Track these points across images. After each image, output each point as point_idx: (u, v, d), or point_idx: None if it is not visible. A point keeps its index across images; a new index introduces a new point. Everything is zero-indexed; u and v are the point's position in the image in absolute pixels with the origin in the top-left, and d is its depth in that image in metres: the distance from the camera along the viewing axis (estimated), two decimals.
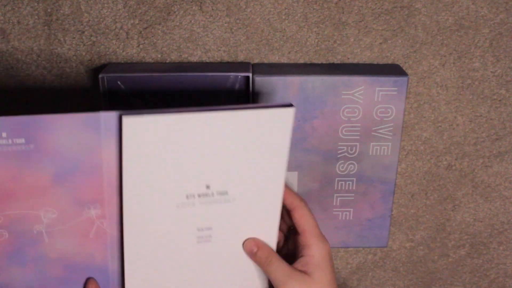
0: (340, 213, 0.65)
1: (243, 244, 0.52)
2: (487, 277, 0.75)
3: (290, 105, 0.47)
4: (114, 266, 0.53)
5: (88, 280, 0.53)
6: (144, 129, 0.44)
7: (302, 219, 0.51)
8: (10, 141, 0.45)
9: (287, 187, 0.52)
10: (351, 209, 0.65)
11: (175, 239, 0.50)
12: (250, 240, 0.52)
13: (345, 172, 0.63)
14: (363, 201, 0.64)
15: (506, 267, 0.75)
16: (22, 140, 0.45)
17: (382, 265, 0.74)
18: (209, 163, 0.47)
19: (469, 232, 0.72)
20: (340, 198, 0.64)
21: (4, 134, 0.44)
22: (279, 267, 0.51)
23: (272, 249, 0.52)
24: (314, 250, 0.51)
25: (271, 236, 0.53)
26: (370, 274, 0.74)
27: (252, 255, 0.52)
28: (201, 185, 0.48)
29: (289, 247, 0.55)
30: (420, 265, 0.74)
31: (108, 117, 0.46)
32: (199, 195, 0.48)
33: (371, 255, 0.73)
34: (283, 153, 0.49)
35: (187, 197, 0.48)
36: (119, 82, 0.59)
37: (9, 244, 0.49)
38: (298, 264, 0.51)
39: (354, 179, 0.63)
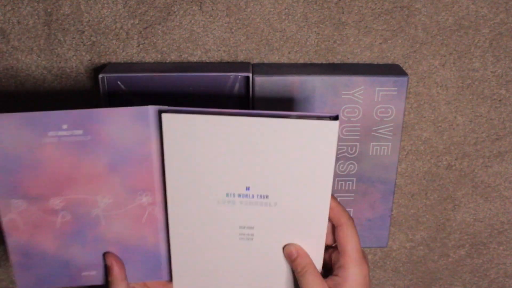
0: None
1: (283, 248, 0.53)
2: (487, 277, 0.75)
3: (336, 117, 0.48)
4: (165, 248, 0.57)
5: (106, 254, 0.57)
6: (184, 126, 0.46)
7: (345, 239, 0.51)
8: (70, 132, 0.51)
9: (337, 202, 0.52)
10: (351, 209, 0.65)
11: (218, 233, 0.52)
12: (291, 245, 0.53)
13: (345, 172, 0.63)
14: (363, 201, 0.64)
15: (506, 267, 0.75)
16: (80, 132, 0.51)
17: (382, 265, 0.74)
18: (249, 165, 0.49)
19: (469, 232, 0.72)
20: (340, 198, 0.64)
21: (64, 126, 0.50)
22: (314, 280, 0.51)
23: (311, 260, 0.52)
24: (349, 273, 0.51)
25: (317, 245, 0.53)
26: (370, 274, 0.75)
27: (291, 260, 0.53)
28: (241, 186, 0.50)
29: (327, 259, 0.54)
30: (420, 265, 0.74)
31: (156, 110, 0.50)
32: (239, 195, 0.51)
33: (371, 255, 0.73)
34: (328, 164, 0.49)
35: (227, 195, 0.51)
36: (119, 82, 0.59)
37: (71, 225, 0.55)
38: (331, 281, 0.51)
39: (354, 179, 0.63)
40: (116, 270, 0.56)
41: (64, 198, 0.54)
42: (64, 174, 0.53)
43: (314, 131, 0.48)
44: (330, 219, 0.52)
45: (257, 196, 0.51)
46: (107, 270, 0.57)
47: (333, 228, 0.53)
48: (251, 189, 0.51)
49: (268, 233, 0.53)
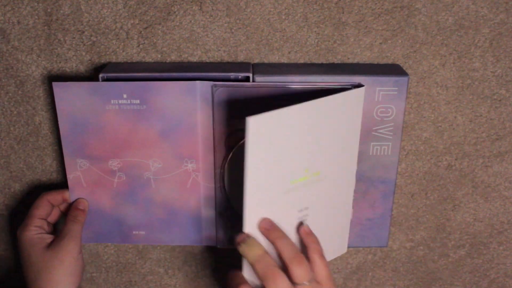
0: None
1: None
2: (487, 277, 0.75)
3: (360, 85, 0.54)
4: (207, 213, 0.62)
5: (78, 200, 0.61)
6: (266, 125, 0.48)
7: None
8: (129, 101, 0.56)
9: (311, 234, 0.54)
10: (351, 209, 0.65)
11: (281, 221, 0.53)
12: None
13: None
14: (363, 201, 0.64)
15: (506, 267, 0.75)
16: (138, 101, 0.56)
17: (382, 265, 0.74)
18: (307, 148, 0.52)
19: (469, 232, 0.72)
20: None
21: (124, 96, 0.56)
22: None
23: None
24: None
25: (347, 208, 0.60)
26: (370, 274, 0.74)
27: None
28: (301, 170, 0.52)
29: None
30: (420, 265, 0.74)
31: (203, 85, 0.56)
32: (300, 179, 0.53)
33: (371, 255, 0.73)
34: (356, 128, 0.55)
35: (291, 182, 0.52)
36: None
37: (126, 185, 0.61)
38: None
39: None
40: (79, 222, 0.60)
41: (121, 160, 0.59)
42: (122, 138, 0.58)
43: (347, 100, 0.53)
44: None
45: (312, 175, 0.53)
46: (68, 218, 0.60)
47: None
48: (309, 169, 0.53)
49: (318, 210, 0.56)
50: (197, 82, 0.55)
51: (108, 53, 0.62)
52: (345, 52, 0.62)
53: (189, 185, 0.60)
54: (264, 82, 0.57)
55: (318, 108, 0.51)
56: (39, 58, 0.62)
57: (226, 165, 0.59)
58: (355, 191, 0.64)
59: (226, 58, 0.62)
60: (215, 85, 0.56)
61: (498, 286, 0.76)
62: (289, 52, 0.62)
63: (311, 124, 0.51)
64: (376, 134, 0.61)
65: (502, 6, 0.61)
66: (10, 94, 0.64)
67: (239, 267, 0.53)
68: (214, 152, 0.59)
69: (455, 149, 0.67)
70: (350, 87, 0.55)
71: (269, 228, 0.51)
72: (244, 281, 0.52)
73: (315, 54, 0.62)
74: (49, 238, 0.59)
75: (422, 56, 0.62)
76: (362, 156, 0.62)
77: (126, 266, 0.73)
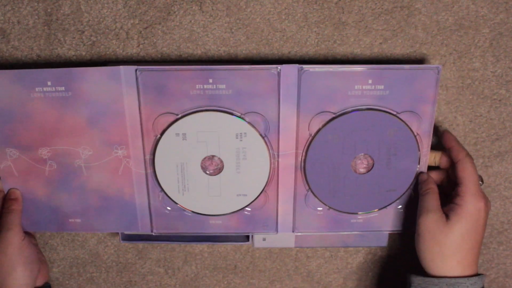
0: None
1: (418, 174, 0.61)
2: (487, 277, 0.75)
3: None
4: (141, 200, 0.62)
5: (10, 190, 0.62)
6: None
7: (463, 171, 0.57)
8: (53, 88, 0.56)
9: (455, 139, 0.59)
10: None
11: None
12: (423, 174, 0.61)
13: None
14: None
15: (506, 267, 0.75)
16: (63, 88, 0.56)
17: (382, 265, 0.74)
18: None
19: None
20: None
21: (49, 83, 0.56)
22: (431, 200, 0.58)
23: (435, 186, 0.60)
24: (464, 201, 0.56)
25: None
26: (370, 274, 0.74)
27: (421, 182, 0.61)
28: None
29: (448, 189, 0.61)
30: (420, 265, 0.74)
31: (127, 70, 0.56)
32: None
33: (371, 255, 0.73)
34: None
35: None
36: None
37: (58, 173, 0.61)
38: (447, 208, 0.58)
39: None
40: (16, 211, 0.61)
41: (50, 149, 0.59)
42: (50, 126, 0.58)
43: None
44: (449, 156, 0.59)
45: None
46: (4, 210, 0.61)
47: (452, 164, 0.59)
48: None
49: None
50: (121, 67, 0.55)
51: (108, 53, 0.62)
52: (345, 52, 0.62)
53: (120, 172, 0.60)
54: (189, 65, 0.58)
55: None
56: (39, 58, 0.62)
57: (155, 151, 0.59)
58: None
59: (226, 58, 0.62)
60: (139, 69, 0.56)
61: (498, 286, 0.76)
62: (289, 52, 0.62)
63: None
64: None
65: (502, 6, 0.61)
66: None
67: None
68: (142, 137, 0.59)
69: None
70: (277, 69, 0.56)
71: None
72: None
73: (315, 54, 0.62)
74: None
75: (422, 56, 0.62)
76: None
77: (126, 266, 0.73)
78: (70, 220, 0.63)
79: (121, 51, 0.62)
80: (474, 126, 0.66)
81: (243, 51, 0.62)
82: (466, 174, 0.57)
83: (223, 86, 0.56)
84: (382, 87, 0.56)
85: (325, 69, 0.56)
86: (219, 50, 0.62)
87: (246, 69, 0.56)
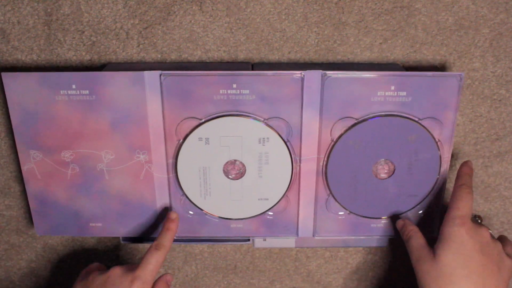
0: None
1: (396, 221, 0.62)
2: None
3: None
4: (162, 204, 0.62)
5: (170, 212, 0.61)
6: None
7: (452, 197, 0.57)
8: (78, 91, 0.57)
9: (470, 172, 0.60)
10: None
11: None
12: (400, 220, 0.61)
13: None
14: None
15: None
16: (87, 91, 0.57)
17: (382, 265, 0.74)
18: None
19: None
20: None
21: (74, 86, 0.56)
22: (417, 243, 0.58)
23: (415, 227, 0.59)
24: (443, 227, 0.56)
25: None
26: (370, 274, 0.74)
27: (399, 229, 0.61)
28: None
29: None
30: None
31: (151, 75, 0.56)
32: None
33: (371, 255, 0.73)
34: None
35: None
36: None
37: (80, 177, 0.61)
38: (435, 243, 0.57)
39: None
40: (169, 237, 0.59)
41: (73, 152, 0.59)
42: (73, 129, 0.58)
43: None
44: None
45: None
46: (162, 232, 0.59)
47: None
48: None
49: None
50: (145, 72, 0.56)
51: (108, 53, 0.62)
52: (345, 52, 0.62)
53: (142, 176, 0.60)
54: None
55: None
56: (39, 58, 0.62)
57: (178, 155, 0.59)
58: None
59: (226, 58, 0.62)
60: (163, 74, 0.56)
61: None
62: (289, 52, 0.62)
63: None
64: None
65: (502, 6, 0.61)
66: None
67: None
68: (165, 142, 0.59)
69: (455, 149, 0.67)
70: (301, 74, 0.56)
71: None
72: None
73: (315, 54, 0.62)
74: None
75: (422, 56, 0.62)
76: None
77: None
78: (91, 224, 0.63)
79: (121, 51, 0.62)
80: (474, 126, 0.66)
81: (243, 51, 0.62)
82: (453, 199, 0.57)
83: (247, 91, 0.56)
84: (404, 93, 0.57)
85: (348, 75, 0.56)
86: (219, 50, 0.62)
87: (270, 74, 0.56)
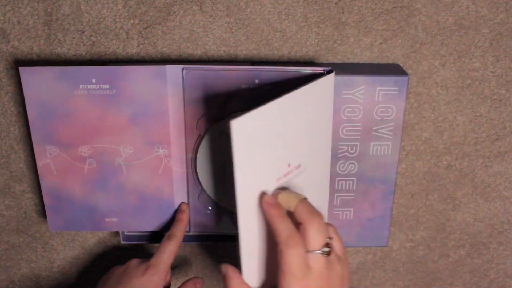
0: (341, 212, 0.65)
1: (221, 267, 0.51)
2: (487, 277, 0.75)
3: (331, 71, 0.54)
4: (180, 199, 0.62)
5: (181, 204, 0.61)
6: (249, 126, 0.46)
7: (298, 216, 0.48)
8: (98, 86, 0.56)
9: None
10: (352, 209, 0.65)
11: None
12: (223, 266, 0.50)
13: (345, 172, 0.63)
14: (363, 200, 0.64)
15: (506, 267, 0.75)
16: (107, 86, 0.56)
17: (382, 265, 0.74)
18: (287, 142, 0.50)
19: (469, 232, 0.72)
20: (341, 197, 0.64)
21: (93, 80, 0.56)
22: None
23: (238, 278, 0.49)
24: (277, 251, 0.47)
25: (324, 198, 0.59)
26: (370, 274, 0.74)
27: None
28: (285, 165, 0.51)
29: None
30: (420, 265, 0.74)
31: (173, 69, 0.56)
32: (284, 175, 0.51)
33: (371, 255, 0.73)
34: (329, 114, 0.55)
35: (276, 181, 0.50)
36: None
37: (97, 172, 0.60)
38: None
39: (355, 178, 0.63)
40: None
41: (91, 147, 0.59)
42: (92, 124, 0.58)
43: (319, 88, 0.52)
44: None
45: (295, 168, 0.52)
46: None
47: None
48: (291, 164, 0.51)
49: None
50: (167, 66, 0.55)
51: (108, 53, 0.62)
52: (345, 52, 0.62)
53: (161, 171, 0.60)
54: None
55: (294, 100, 0.49)
56: (39, 58, 0.62)
57: (197, 150, 0.59)
58: (355, 191, 0.64)
59: (226, 58, 0.62)
60: (185, 69, 0.55)
61: (498, 286, 0.76)
62: (289, 52, 0.62)
63: (289, 117, 0.50)
64: (376, 134, 0.61)
65: (502, 6, 0.61)
66: (10, 95, 0.64)
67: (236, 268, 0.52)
68: (185, 137, 0.58)
69: (455, 149, 0.67)
70: (322, 71, 0.54)
71: (272, 203, 0.48)
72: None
73: (315, 54, 0.62)
74: None
75: (422, 56, 0.63)
76: (362, 156, 0.62)
77: None
78: (106, 219, 0.62)
79: (121, 51, 0.62)
80: (474, 126, 0.66)
81: (243, 51, 0.62)
82: (298, 217, 0.47)
83: (269, 87, 0.56)
84: None
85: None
86: (219, 50, 0.62)
87: (293, 70, 0.55)
